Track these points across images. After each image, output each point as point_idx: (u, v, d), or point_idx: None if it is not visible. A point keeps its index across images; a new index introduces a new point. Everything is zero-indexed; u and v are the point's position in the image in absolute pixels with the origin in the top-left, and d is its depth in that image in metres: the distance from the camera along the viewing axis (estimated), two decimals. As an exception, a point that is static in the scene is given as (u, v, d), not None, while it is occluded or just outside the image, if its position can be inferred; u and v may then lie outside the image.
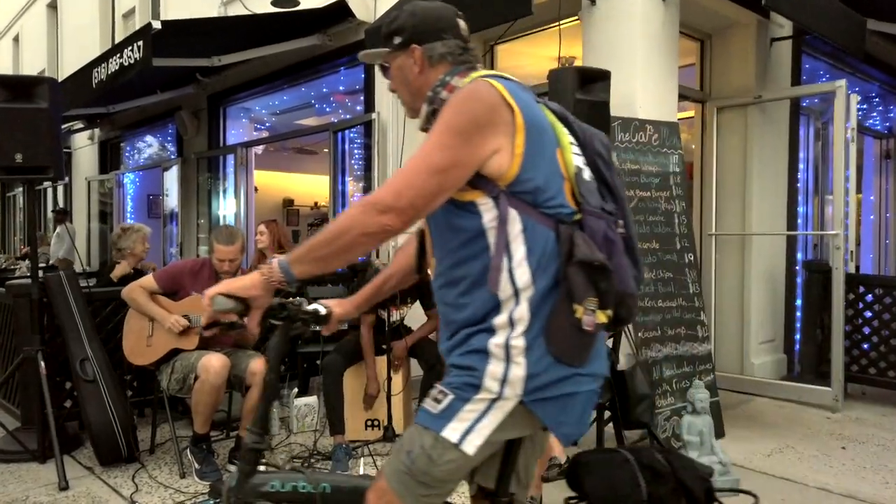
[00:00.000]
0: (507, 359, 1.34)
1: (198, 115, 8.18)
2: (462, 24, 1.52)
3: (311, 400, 4.14)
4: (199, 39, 5.45)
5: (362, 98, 6.00)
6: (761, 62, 5.02)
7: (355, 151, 6.20)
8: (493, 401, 1.35)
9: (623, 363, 3.37)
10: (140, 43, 4.68)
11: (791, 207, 5.31)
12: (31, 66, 14.19)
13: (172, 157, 8.91)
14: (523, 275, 1.35)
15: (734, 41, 5.02)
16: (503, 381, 1.34)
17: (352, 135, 6.18)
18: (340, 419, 3.57)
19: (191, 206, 8.33)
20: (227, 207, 7.89)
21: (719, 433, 3.77)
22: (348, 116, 6.42)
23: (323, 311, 1.64)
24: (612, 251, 1.39)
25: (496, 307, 1.37)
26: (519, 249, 1.36)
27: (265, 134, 8.16)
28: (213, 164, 8.06)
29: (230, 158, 7.70)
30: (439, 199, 1.35)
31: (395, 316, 3.88)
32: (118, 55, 4.95)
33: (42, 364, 3.53)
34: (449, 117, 1.35)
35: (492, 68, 5.57)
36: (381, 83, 5.30)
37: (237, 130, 8.04)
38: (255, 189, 8.58)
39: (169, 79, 7.37)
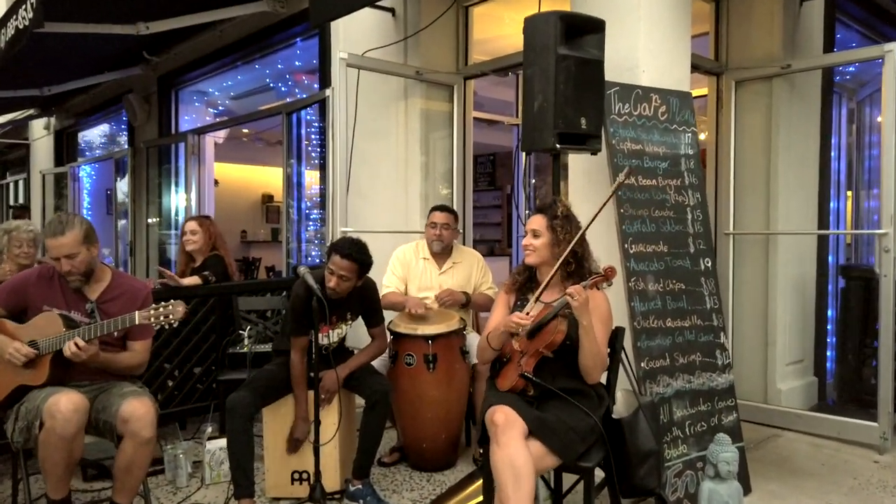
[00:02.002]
0: None
1: (148, 100, 7.34)
2: None
3: (229, 442, 3.29)
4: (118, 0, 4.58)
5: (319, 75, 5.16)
6: (789, 26, 4.16)
7: (312, 136, 5.36)
8: None
9: (621, 407, 2.53)
10: (33, 0, 3.83)
11: (823, 202, 4.45)
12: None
13: (126, 146, 8.07)
14: None
15: (757, 1, 4.16)
16: None
17: (308, 117, 5.33)
18: (248, 477, 2.72)
19: (141, 200, 7.49)
20: (179, 202, 7.05)
21: (745, 489, 2.92)
22: (305, 95, 5.57)
23: None
24: None
25: None
26: None
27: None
28: (165, 153, 7.21)
29: (182, 147, 6.84)
30: None
31: (331, 337, 3.03)
32: (14, 17, 4.10)
33: None
34: None
35: (465, 35, 4.76)
36: (337, 54, 4.45)
37: (191, 116, 7.19)
38: (216, 182, 7.76)
39: (114, 56, 6.52)
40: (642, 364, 2.82)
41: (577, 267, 2.44)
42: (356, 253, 2.82)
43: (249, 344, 3.66)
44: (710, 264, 3.17)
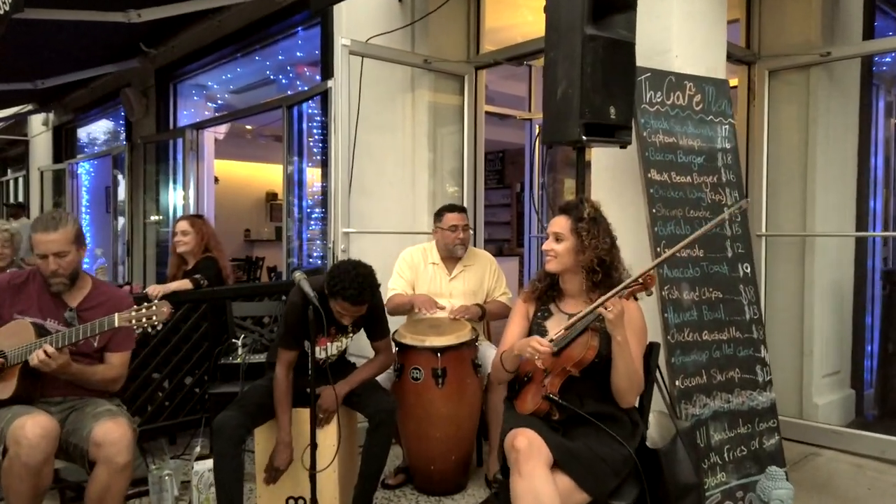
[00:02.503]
0: None
1: (146, 94, 7.08)
2: None
3: (219, 462, 3.01)
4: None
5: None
6: (828, 11, 3.84)
7: (314, 130, 5.08)
8: None
9: (654, 433, 2.23)
10: (13, -18, 3.57)
11: (861, 201, 4.13)
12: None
13: (124, 142, 7.83)
14: None
15: (793, -16, 3.86)
16: None
17: (310, 110, 5.05)
18: (237, 506, 2.45)
19: (139, 198, 7.23)
20: (178, 200, 6.79)
21: (788, 520, 2.62)
22: (307, 88, 5.29)
23: None
24: None
25: None
26: None
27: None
28: (163, 149, 6.95)
29: (180, 143, 6.58)
30: None
31: (329, 350, 2.74)
32: (-6, 1, 3.83)
33: None
34: None
35: (477, 22, 4.46)
36: (339, 41, 4.16)
37: (190, 111, 6.93)
38: (216, 180, 7.50)
39: (110, 49, 6.27)
40: (677, 382, 2.53)
41: (605, 276, 2.15)
42: (368, 294, 2.48)
43: (244, 353, 3.38)
44: (749, 270, 2.87)
